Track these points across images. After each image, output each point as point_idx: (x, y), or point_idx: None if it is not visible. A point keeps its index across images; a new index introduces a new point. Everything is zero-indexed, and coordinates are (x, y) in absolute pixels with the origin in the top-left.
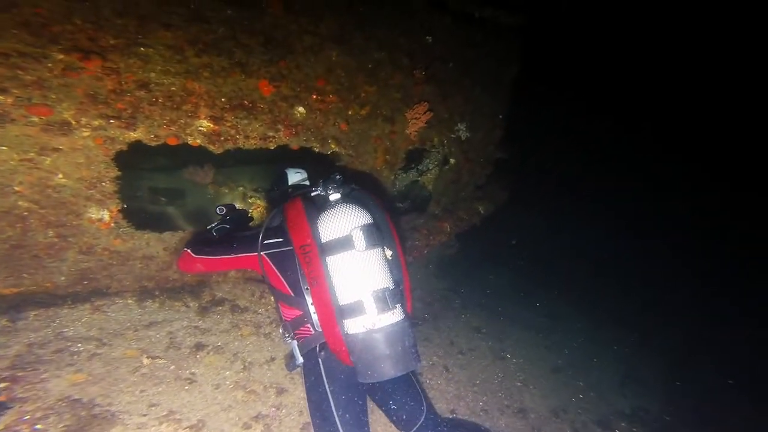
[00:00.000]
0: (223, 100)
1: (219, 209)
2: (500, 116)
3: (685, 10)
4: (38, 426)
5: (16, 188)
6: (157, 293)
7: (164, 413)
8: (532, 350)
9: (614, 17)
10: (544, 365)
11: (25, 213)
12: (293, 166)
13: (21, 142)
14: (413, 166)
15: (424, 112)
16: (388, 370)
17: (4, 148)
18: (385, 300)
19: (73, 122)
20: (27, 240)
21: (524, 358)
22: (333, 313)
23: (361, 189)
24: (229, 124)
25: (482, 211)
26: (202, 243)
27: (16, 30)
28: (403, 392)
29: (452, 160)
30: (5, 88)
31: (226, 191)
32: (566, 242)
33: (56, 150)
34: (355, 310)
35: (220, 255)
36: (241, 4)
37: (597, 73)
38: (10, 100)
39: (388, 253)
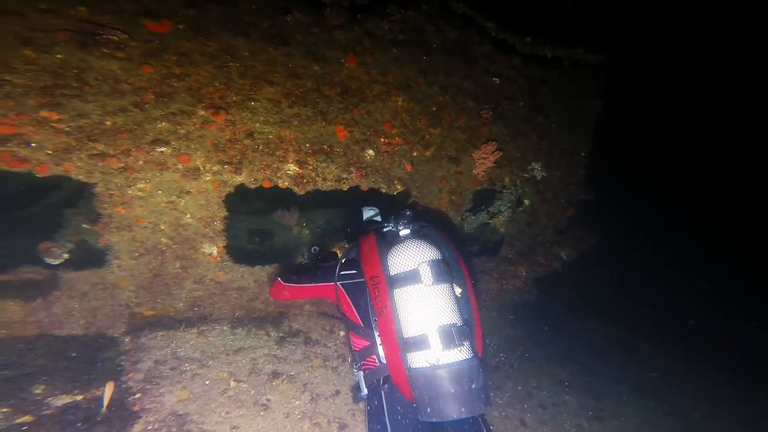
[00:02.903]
0: (307, 145)
1: (313, 249)
2: (582, 154)
3: None
4: None
5: (161, 227)
6: (246, 322)
7: None
8: (640, 413)
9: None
10: None
11: (164, 248)
12: (368, 205)
13: (169, 186)
14: (483, 207)
15: (492, 152)
16: (451, 409)
17: (159, 192)
18: (452, 336)
19: (202, 168)
20: (163, 270)
21: (630, 421)
22: (397, 345)
23: (431, 226)
24: (310, 167)
25: (565, 257)
26: (291, 273)
27: (184, 93)
28: None
29: (526, 201)
30: (168, 141)
31: (307, 231)
32: (667, 298)
33: (188, 193)
34: (419, 343)
35: (303, 283)
36: (325, 61)
37: (695, 116)
38: (168, 151)
39: (458, 290)
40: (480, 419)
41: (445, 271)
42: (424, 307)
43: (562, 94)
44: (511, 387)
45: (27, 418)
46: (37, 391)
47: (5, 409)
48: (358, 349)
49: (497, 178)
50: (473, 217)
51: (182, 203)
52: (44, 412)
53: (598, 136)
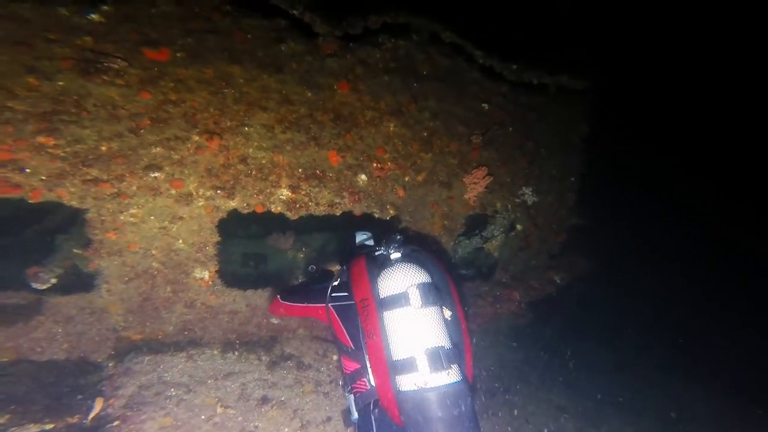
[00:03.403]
0: (300, 170)
1: (311, 268)
2: (572, 179)
3: None
4: None
5: (153, 252)
6: (237, 346)
7: None
8: None
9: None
10: None
11: (155, 272)
12: (361, 230)
13: (162, 212)
14: (477, 232)
15: (483, 177)
16: None
17: (152, 217)
18: (439, 358)
19: (195, 194)
20: (153, 294)
21: None
22: (385, 368)
23: (423, 250)
24: (303, 192)
25: (559, 281)
26: (288, 292)
27: (179, 119)
28: None
29: (519, 226)
30: (161, 166)
31: (301, 255)
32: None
33: (180, 218)
34: (407, 366)
35: (298, 303)
36: (318, 87)
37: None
38: (162, 176)
39: (447, 313)
40: None
41: (433, 294)
42: (413, 330)
43: (549, 120)
44: (507, 412)
45: None
46: (1, 421)
47: None
48: (348, 372)
49: (489, 203)
50: (467, 242)
51: (174, 229)
52: None
53: (587, 160)
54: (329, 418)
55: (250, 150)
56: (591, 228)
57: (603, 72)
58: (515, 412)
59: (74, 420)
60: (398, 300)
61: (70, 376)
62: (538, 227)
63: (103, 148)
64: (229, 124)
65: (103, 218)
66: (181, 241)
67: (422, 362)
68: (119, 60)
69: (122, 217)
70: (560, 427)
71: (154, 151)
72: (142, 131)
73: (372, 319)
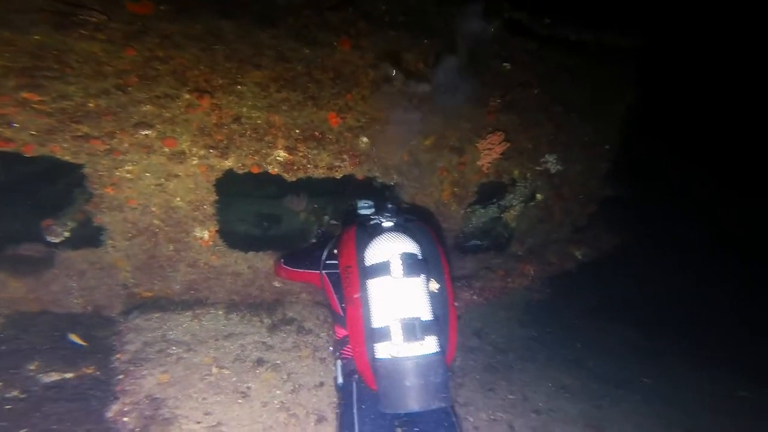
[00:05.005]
0: (297, 131)
1: (319, 230)
2: (606, 147)
3: None
4: (125, 419)
5: (152, 209)
6: (241, 307)
7: (214, 423)
8: (647, 424)
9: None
10: None
11: (157, 229)
12: (364, 198)
13: (157, 169)
14: (494, 201)
15: (499, 143)
16: (405, 402)
17: (148, 174)
18: (414, 329)
19: (188, 152)
20: (157, 252)
21: None
22: (362, 334)
23: (417, 221)
24: (301, 154)
25: (580, 257)
26: (289, 257)
27: (168, 77)
28: None
29: (539, 196)
30: (152, 124)
31: (314, 218)
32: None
33: (176, 176)
34: (383, 334)
35: (296, 268)
36: (316, 44)
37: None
38: (153, 134)
39: (434, 286)
40: (449, 412)
41: (417, 265)
42: (392, 299)
43: (585, 82)
44: (506, 388)
45: (15, 393)
46: (31, 368)
47: None
48: (339, 338)
49: (504, 171)
50: (482, 211)
51: (171, 186)
52: (32, 389)
53: (627, 129)
54: (322, 384)
55: (244, 109)
56: (624, 201)
57: (653, 31)
58: (514, 389)
59: (90, 371)
60: (381, 268)
61: (85, 329)
62: (563, 197)
63: (91, 105)
64: (220, 82)
65: (100, 173)
66: (178, 198)
67: (397, 331)
68: (96, 12)
69: (118, 173)
70: (559, 405)
71: (144, 108)
72: (130, 88)
73: (353, 286)
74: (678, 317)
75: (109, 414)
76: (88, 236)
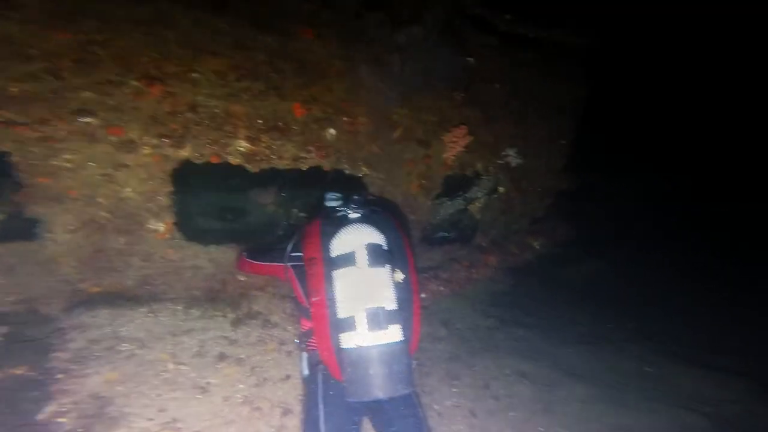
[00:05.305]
0: (259, 121)
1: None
2: (563, 142)
3: None
4: (61, 419)
5: (99, 200)
6: (202, 301)
7: (168, 420)
8: (592, 408)
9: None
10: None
11: (104, 221)
12: (332, 191)
13: (102, 158)
14: (461, 193)
15: (463, 136)
16: (371, 390)
17: (92, 164)
18: (378, 318)
19: (138, 141)
20: (105, 245)
21: (578, 417)
22: (327, 325)
23: (384, 212)
24: (264, 144)
25: (537, 247)
26: (253, 250)
27: (110, 62)
28: (403, 421)
29: (501, 189)
30: (94, 111)
31: (282, 211)
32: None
33: (125, 166)
34: (348, 325)
35: (260, 261)
36: (278, 32)
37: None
38: (96, 122)
39: (399, 276)
40: (414, 402)
41: (382, 255)
42: (356, 289)
43: (542, 79)
44: (469, 376)
45: None
46: None
47: None
48: (304, 330)
49: (468, 164)
50: (449, 203)
51: (120, 176)
52: None
53: (581, 124)
54: (288, 377)
55: (200, 98)
56: (578, 194)
57: (603, 31)
58: (477, 377)
59: (19, 371)
60: (346, 259)
61: (16, 328)
62: (521, 191)
63: (14, 90)
64: (174, 69)
65: (30, 162)
66: (129, 189)
67: (361, 321)
68: None
69: (55, 162)
70: (517, 391)
71: (83, 95)
72: (64, 73)
73: (318, 277)
74: (633, 307)
75: (41, 416)
76: (20, 228)
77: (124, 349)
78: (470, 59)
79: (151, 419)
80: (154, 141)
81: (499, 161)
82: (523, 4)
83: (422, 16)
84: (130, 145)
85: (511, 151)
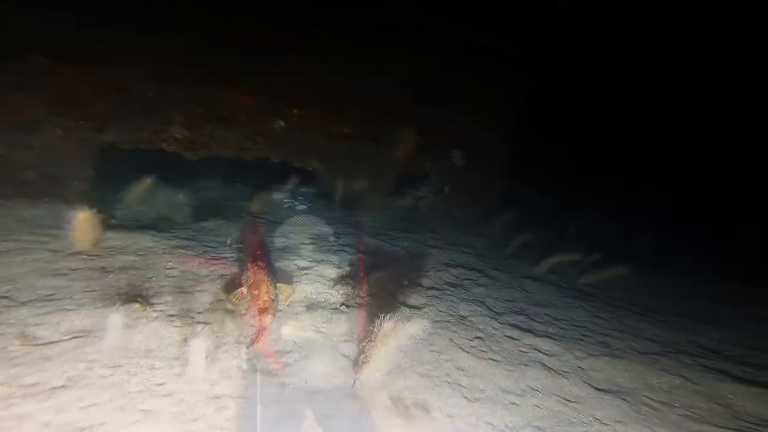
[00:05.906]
0: (200, 109)
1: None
2: (503, 146)
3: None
4: None
5: None
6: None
7: None
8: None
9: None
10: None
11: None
12: (282, 185)
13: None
14: (411, 191)
15: (414, 136)
16: None
17: None
18: None
19: (44, 122)
20: None
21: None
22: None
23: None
24: (204, 132)
25: (478, 247)
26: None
27: (4, 38)
28: None
29: (446, 189)
30: None
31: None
32: None
33: (30, 147)
34: None
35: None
36: (227, 19)
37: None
38: None
39: None
40: None
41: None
42: None
43: (490, 84)
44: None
45: None
46: None
47: None
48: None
49: (418, 163)
50: (400, 200)
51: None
52: None
53: (523, 130)
54: None
55: (132, 81)
56: (518, 197)
57: (546, 45)
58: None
59: None
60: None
61: None
62: (464, 191)
63: None
64: (96, 48)
65: None
66: (32, 173)
67: None
68: None
69: None
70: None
71: None
72: None
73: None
74: None
75: None
76: None
77: None
78: (424, 62)
79: None
80: (70, 123)
81: (446, 162)
82: (481, 16)
83: None
84: (33, 126)
85: (456, 153)
